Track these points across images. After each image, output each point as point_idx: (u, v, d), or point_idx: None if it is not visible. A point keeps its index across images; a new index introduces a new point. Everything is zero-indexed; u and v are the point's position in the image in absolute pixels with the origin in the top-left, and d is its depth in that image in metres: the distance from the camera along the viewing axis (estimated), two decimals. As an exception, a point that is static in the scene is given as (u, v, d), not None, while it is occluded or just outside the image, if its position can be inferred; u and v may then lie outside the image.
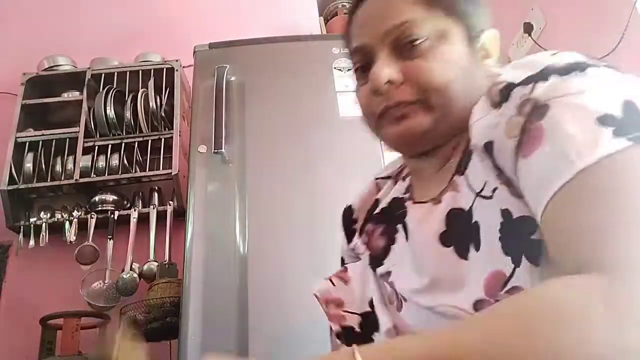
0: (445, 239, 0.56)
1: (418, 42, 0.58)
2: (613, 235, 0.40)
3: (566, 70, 0.46)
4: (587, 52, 0.48)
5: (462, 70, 0.59)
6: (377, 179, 0.77)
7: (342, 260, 0.80)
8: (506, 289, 0.47)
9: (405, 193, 0.69)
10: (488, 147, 0.50)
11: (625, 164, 0.41)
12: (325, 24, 3.09)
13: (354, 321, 0.66)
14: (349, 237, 0.77)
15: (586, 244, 0.41)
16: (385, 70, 0.59)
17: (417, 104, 0.59)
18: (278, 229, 1.56)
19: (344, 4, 3.23)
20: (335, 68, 1.81)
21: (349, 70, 1.81)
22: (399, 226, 0.65)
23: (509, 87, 0.49)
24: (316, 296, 0.71)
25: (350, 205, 0.77)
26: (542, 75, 0.47)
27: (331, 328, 0.70)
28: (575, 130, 0.43)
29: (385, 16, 0.60)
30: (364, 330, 0.65)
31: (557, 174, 0.42)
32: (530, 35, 1.97)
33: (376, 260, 0.67)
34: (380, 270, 0.66)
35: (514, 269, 0.47)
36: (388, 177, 0.76)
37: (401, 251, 0.64)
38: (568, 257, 0.42)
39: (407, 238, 0.62)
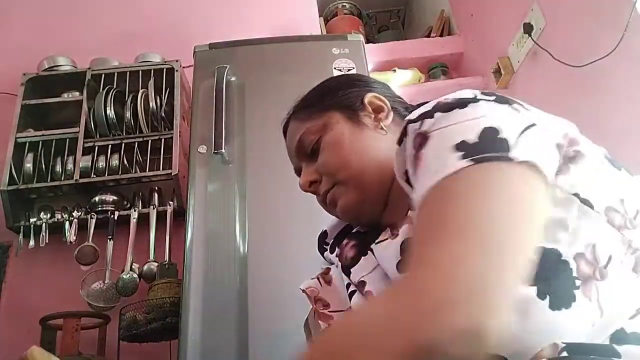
0: (401, 268, 0.61)
1: (313, 144, 0.73)
2: (429, 239, 0.46)
3: (449, 107, 0.53)
4: (488, 91, 0.57)
5: (352, 141, 0.71)
6: None
7: None
8: None
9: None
10: (407, 176, 0.57)
11: (458, 180, 0.48)
12: (325, 24, 3.09)
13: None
14: (322, 255, 0.88)
15: (415, 245, 0.48)
16: (304, 177, 0.75)
17: (336, 187, 0.71)
18: (278, 229, 1.56)
19: (344, 4, 3.24)
20: (335, 68, 1.81)
21: (349, 70, 1.81)
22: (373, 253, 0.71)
23: (407, 124, 0.56)
24: (304, 291, 0.79)
25: (325, 230, 0.87)
26: (430, 112, 0.54)
27: (313, 313, 0.80)
28: (437, 155, 0.50)
29: (293, 142, 0.77)
30: None
31: (420, 194, 0.50)
32: (530, 35, 1.98)
33: (346, 269, 0.75)
34: (353, 278, 0.72)
35: None
36: None
37: (374, 261, 0.70)
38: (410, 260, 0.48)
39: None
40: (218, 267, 1.49)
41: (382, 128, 0.72)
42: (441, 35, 2.89)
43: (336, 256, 0.80)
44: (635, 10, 1.45)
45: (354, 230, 0.80)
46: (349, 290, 0.73)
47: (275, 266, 1.49)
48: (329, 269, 0.81)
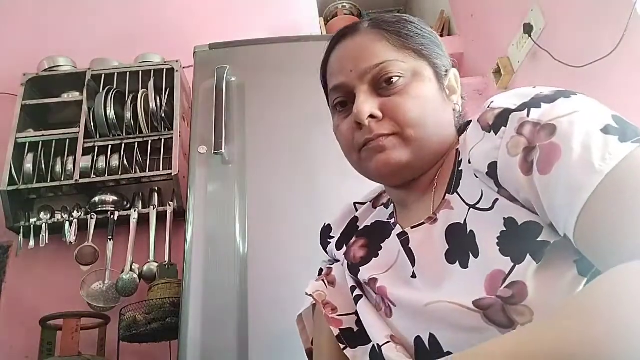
0: (450, 257, 0.59)
1: (395, 80, 0.64)
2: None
3: (554, 98, 0.52)
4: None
5: (434, 106, 0.65)
6: (355, 203, 0.84)
7: (321, 270, 0.85)
8: (505, 284, 0.51)
9: (389, 219, 0.75)
10: (492, 168, 0.55)
11: (637, 162, 0.46)
12: (325, 24, 3.09)
13: (351, 321, 0.71)
14: (325, 249, 0.85)
15: (633, 239, 0.43)
16: (367, 105, 0.64)
17: (395, 137, 0.64)
18: (278, 229, 1.56)
19: (344, 4, 3.24)
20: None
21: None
22: (398, 250, 0.68)
23: (507, 113, 0.54)
24: (311, 296, 0.76)
25: (329, 224, 0.84)
26: (535, 102, 0.52)
27: (312, 309, 0.79)
28: (587, 142, 0.47)
29: (363, 58, 0.66)
30: (360, 327, 0.69)
31: (585, 181, 0.46)
32: (530, 35, 1.97)
33: (353, 267, 0.72)
34: (362, 277, 0.70)
35: (513, 267, 0.51)
36: (365, 203, 0.84)
37: (387, 263, 0.68)
38: (617, 251, 0.44)
39: (413, 264, 0.65)
40: (218, 268, 1.49)
41: (454, 110, 0.69)
42: (441, 36, 2.90)
43: (343, 254, 0.78)
44: (635, 11, 1.45)
45: (361, 227, 0.78)
46: (354, 295, 0.71)
47: (275, 266, 1.49)
48: (330, 269, 0.79)
